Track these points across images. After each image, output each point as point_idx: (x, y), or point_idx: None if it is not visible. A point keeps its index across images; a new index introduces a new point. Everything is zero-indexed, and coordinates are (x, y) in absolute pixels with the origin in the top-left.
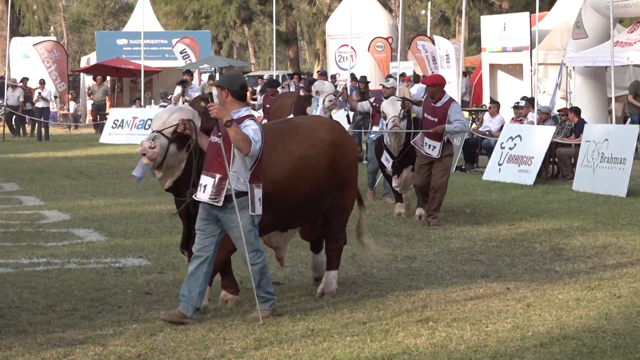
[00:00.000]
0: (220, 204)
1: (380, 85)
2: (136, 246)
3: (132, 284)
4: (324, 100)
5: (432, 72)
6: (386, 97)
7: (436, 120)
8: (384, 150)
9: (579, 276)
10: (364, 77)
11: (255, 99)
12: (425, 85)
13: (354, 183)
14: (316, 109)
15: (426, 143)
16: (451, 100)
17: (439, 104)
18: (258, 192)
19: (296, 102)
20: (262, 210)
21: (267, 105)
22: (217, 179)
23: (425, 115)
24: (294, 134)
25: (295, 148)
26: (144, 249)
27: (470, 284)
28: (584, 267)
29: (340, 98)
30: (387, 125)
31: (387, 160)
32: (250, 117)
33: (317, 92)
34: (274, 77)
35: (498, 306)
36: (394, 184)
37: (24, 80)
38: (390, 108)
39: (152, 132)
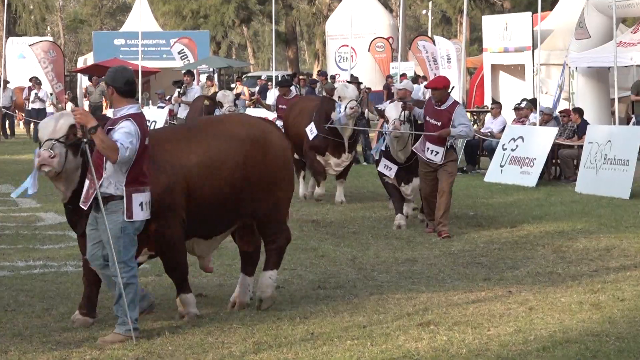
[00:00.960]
0: (86, 207)
1: (394, 86)
2: None
3: None
4: (345, 107)
5: (434, 73)
6: (400, 99)
7: (440, 124)
8: (383, 158)
9: (582, 279)
10: (355, 78)
11: (253, 100)
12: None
13: (285, 182)
14: (339, 115)
15: (428, 148)
16: (456, 103)
17: (443, 107)
18: (138, 197)
19: (319, 106)
20: (167, 216)
21: (281, 106)
22: (89, 183)
23: (428, 118)
24: (204, 133)
25: (204, 147)
26: None
27: (472, 287)
28: (587, 270)
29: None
30: (388, 129)
31: (387, 169)
32: (131, 116)
33: (339, 98)
34: (285, 77)
35: (500, 309)
36: (405, 192)
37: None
38: (393, 111)
39: (46, 141)
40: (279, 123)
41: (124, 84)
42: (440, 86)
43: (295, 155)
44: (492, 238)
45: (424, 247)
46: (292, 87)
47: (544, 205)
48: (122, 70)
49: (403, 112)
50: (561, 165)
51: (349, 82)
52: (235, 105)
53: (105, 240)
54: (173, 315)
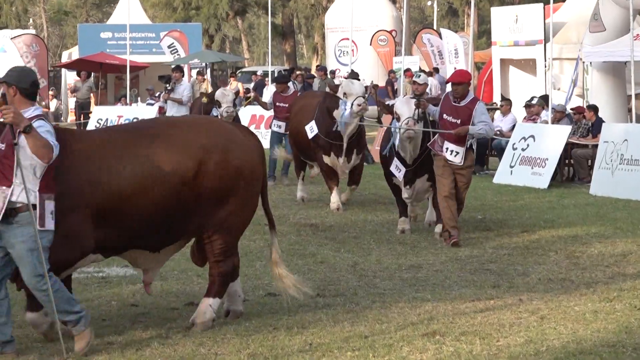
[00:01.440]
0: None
1: (413, 81)
2: None
3: (116, 295)
4: (352, 104)
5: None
6: (418, 95)
7: (459, 122)
8: (395, 158)
9: (597, 287)
10: (355, 73)
11: (248, 97)
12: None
13: (242, 197)
14: (344, 113)
15: (447, 148)
16: (476, 99)
17: (462, 103)
18: (50, 205)
19: (321, 103)
20: (105, 226)
21: (278, 104)
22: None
23: (445, 116)
24: (150, 137)
25: (147, 153)
26: None
27: (480, 294)
28: (602, 276)
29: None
30: (399, 128)
31: (397, 170)
32: (40, 117)
33: (344, 94)
34: (282, 72)
35: (510, 319)
36: (404, 195)
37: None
38: (405, 108)
39: None
40: (276, 122)
41: (30, 85)
42: (464, 80)
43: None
44: (501, 243)
45: (429, 252)
46: (290, 84)
47: (557, 208)
48: (28, 71)
49: (417, 109)
50: (574, 166)
51: (345, 78)
52: (234, 105)
53: (18, 255)
54: (164, 324)
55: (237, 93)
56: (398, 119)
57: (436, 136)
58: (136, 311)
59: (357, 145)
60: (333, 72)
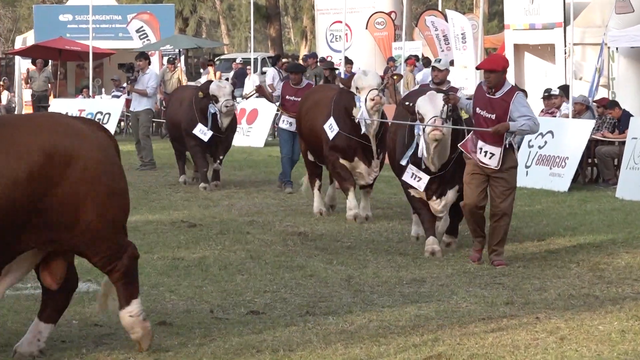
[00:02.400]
0: None
1: (432, 67)
2: (83, 268)
3: (77, 313)
4: (365, 99)
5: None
6: (437, 83)
7: (494, 117)
8: (409, 165)
9: (624, 303)
10: (330, 63)
11: (251, 91)
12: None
13: (100, 200)
14: (360, 110)
15: (481, 149)
16: (514, 89)
17: (498, 95)
18: None
19: (337, 99)
20: None
21: (288, 97)
22: None
23: (478, 110)
24: None
25: None
26: (92, 272)
27: (492, 312)
28: (631, 292)
29: (385, 92)
30: (424, 129)
31: (416, 179)
32: None
33: (357, 89)
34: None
35: (525, 340)
36: (435, 208)
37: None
38: (429, 105)
39: None
40: (285, 119)
41: None
42: (499, 68)
43: (310, 157)
44: (515, 253)
45: (434, 264)
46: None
47: (578, 214)
48: None
49: (445, 105)
50: (599, 166)
51: (324, 67)
52: (233, 98)
53: None
54: (131, 346)
55: (234, 84)
56: (422, 120)
57: (469, 135)
58: (100, 332)
59: (381, 145)
60: (324, 60)
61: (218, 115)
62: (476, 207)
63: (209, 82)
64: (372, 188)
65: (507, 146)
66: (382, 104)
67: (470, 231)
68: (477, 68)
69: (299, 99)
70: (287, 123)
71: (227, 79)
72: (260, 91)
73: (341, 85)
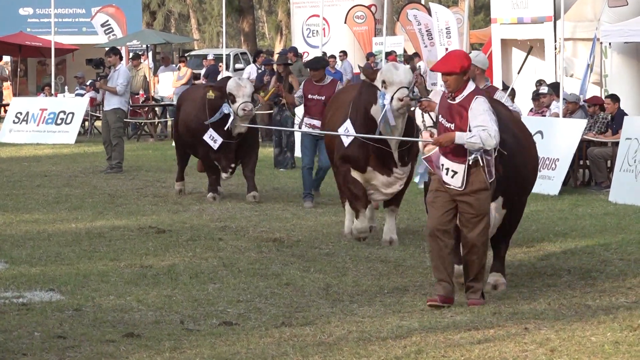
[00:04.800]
0: None
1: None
2: (45, 276)
3: (40, 324)
4: (392, 98)
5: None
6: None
7: (452, 126)
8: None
9: (618, 313)
10: (283, 58)
11: (269, 91)
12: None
13: None
14: (382, 110)
15: (443, 165)
16: (475, 92)
17: (457, 100)
18: None
19: (356, 98)
20: None
21: (311, 96)
22: None
23: (440, 118)
24: None
25: None
26: (55, 280)
27: (478, 323)
28: (624, 301)
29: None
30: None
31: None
32: None
33: (384, 83)
34: (313, 57)
35: (514, 351)
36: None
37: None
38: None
39: None
40: (308, 121)
41: None
42: (457, 69)
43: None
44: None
45: (417, 272)
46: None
47: (569, 218)
48: None
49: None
50: (591, 168)
51: (276, 62)
52: (253, 100)
53: None
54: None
55: (260, 87)
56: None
57: (435, 150)
58: (64, 344)
59: (408, 154)
60: (300, 55)
61: (231, 118)
62: (438, 230)
63: (225, 79)
64: (399, 205)
65: (471, 163)
66: (412, 105)
67: (432, 268)
68: (432, 70)
69: (323, 98)
70: (310, 127)
71: (198, 76)
72: (280, 92)
73: (362, 77)
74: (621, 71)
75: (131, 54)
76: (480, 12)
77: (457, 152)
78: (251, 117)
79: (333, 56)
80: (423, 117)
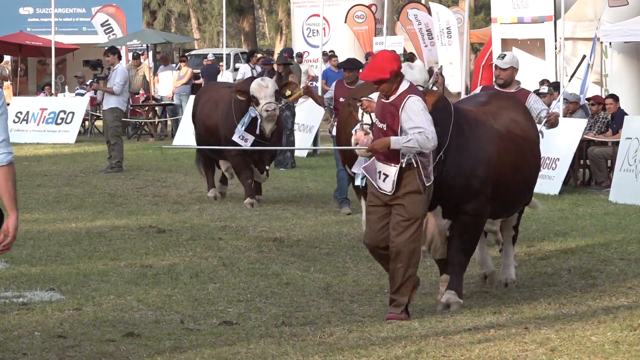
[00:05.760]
0: None
1: (494, 65)
2: (45, 276)
3: (40, 324)
4: None
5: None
6: (501, 85)
7: (385, 127)
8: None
9: (618, 312)
10: (283, 58)
11: (297, 92)
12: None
13: None
14: None
15: (376, 169)
16: (410, 90)
17: (391, 99)
18: None
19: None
20: None
21: (342, 99)
22: None
23: (374, 119)
24: None
25: None
26: (55, 279)
27: (478, 322)
28: (625, 301)
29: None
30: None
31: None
32: None
33: None
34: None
35: (514, 351)
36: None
37: None
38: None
39: None
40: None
41: None
42: (386, 75)
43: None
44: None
45: (417, 272)
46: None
47: (570, 218)
48: None
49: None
50: (591, 168)
51: (263, 62)
52: (278, 101)
53: None
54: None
55: (285, 84)
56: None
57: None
58: (64, 344)
59: None
60: (300, 56)
61: (259, 120)
62: (377, 247)
63: (249, 79)
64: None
65: (405, 166)
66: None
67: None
68: (360, 78)
69: None
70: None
71: (197, 75)
72: (309, 92)
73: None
74: (621, 71)
75: (130, 54)
76: (481, 12)
77: (391, 154)
78: (277, 116)
79: (333, 52)
80: (362, 117)
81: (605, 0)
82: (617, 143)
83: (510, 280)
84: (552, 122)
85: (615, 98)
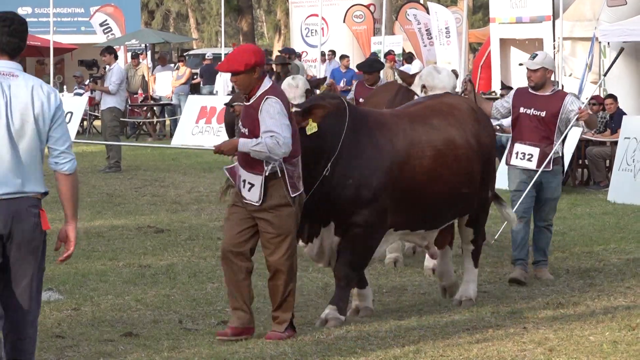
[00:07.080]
0: None
1: (520, 64)
2: (44, 275)
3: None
4: None
5: (428, 50)
6: (533, 87)
7: (247, 131)
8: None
9: (617, 312)
10: (281, 58)
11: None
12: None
13: None
14: None
15: (242, 178)
16: (267, 93)
17: (251, 101)
18: None
19: (390, 101)
20: None
21: (362, 100)
22: None
23: (239, 124)
24: None
25: None
26: (53, 279)
27: (476, 322)
28: (623, 300)
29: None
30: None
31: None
32: None
33: (423, 88)
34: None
35: (512, 351)
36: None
37: None
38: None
39: None
40: None
41: None
42: (240, 67)
43: None
44: (501, 260)
45: (415, 271)
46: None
47: (568, 218)
48: None
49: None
50: (589, 167)
51: (282, 64)
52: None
53: None
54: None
55: (317, 83)
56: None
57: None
58: (62, 344)
59: None
60: (299, 55)
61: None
62: (231, 252)
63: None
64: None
65: (269, 174)
66: None
67: (228, 295)
68: (216, 69)
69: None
70: None
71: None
72: (333, 88)
73: (399, 81)
74: (620, 71)
75: (129, 54)
76: (479, 12)
77: (254, 161)
78: None
79: (333, 51)
80: (239, 123)
81: (604, 0)
82: (616, 143)
83: (464, 298)
84: (586, 120)
85: (614, 98)
